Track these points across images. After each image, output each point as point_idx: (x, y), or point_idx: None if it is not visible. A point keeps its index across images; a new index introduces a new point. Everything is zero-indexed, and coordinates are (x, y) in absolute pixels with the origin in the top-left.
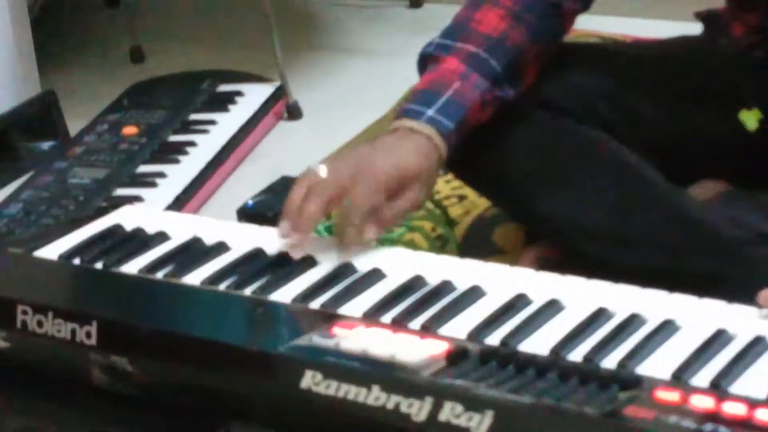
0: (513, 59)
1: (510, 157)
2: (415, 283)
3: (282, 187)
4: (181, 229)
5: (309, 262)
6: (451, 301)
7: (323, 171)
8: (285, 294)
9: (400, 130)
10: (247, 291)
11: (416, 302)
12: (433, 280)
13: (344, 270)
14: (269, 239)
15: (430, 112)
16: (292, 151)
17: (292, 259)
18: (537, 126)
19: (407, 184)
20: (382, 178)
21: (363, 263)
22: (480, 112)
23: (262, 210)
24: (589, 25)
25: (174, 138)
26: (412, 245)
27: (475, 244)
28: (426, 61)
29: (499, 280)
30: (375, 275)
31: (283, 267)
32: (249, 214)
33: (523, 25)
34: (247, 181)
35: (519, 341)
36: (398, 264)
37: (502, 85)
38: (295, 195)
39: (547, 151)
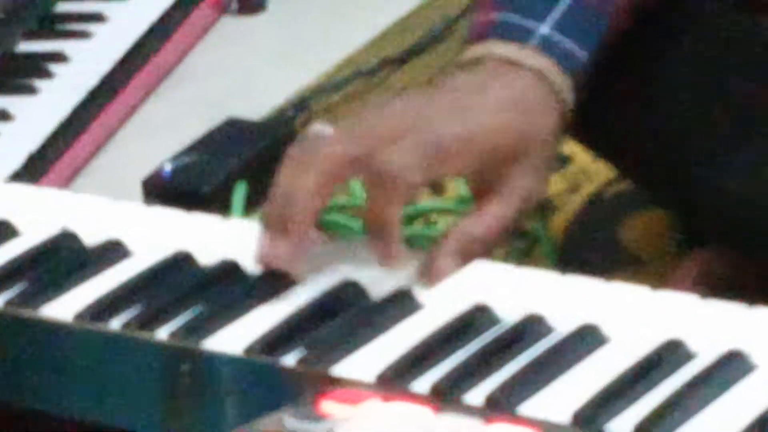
0: None
1: (659, 88)
2: (476, 319)
3: (228, 138)
4: (38, 216)
5: (276, 281)
6: (541, 354)
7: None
8: (232, 339)
9: (486, 63)
10: (162, 333)
11: (476, 356)
12: (507, 315)
13: (343, 295)
14: (204, 236)
15: (544, 28)
16: (247, 71)
17: (243, 273)
18: (710, 32)
19: (501, 171)
20: (448, 147)
21: (378, 282)
22: (622, 23)
23: (189, 181)
24: None
25: (25, 47)
26: None
27: (588, 246)
28: None
29: (632, 315)
30: (400, 305)
31: (228, 288)
32: (166, 188)
33: None
34: (163, 127)
35: (671, 429)
36: (444, 283)
37: None
38: (285, 178)
39: (727, 77)
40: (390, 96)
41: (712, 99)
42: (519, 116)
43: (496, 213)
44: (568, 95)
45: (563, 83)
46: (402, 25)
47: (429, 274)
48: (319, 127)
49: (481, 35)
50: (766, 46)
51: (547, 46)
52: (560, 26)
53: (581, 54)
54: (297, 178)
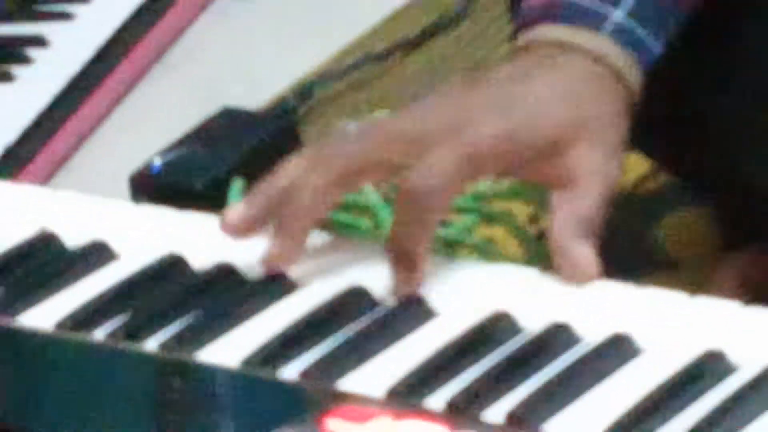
0: None
1: (730, 66)
2: (496, 328)
3: (223, 130)
4: (15, 215)
5: (276, 287)
6: (568, 367)
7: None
8: (228, 350)
9: (536, 49)
10: (151, 343)
11: (496, 369)
12: (530, 323)
13: (350, 301)
14: (198, 237)
15: (619, 13)
16: (245, 55)
17: (239, 278)
18: None
19: (559, 162)
20: (484, 151)
21: (388, 288)
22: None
23: (180, 177)
24: None
25: (1, 30)
26: (490, 249)
27: (620, 246)
28: None
29: (669, 324)
30: (413, 312)
31: (223, 294)
32: (155, 184)
33: None
34: (152, 118)
35: None
36: (461, 289)
37: None
38: (291, 170)
39: None
40: (426, 96)
41: None
42: (571, 103)
43: (586, 193)
44: (636, 85)
45: (636, 80)
46: (416, 3)
47: (572, 270)
48: (348, 125)
49: (535, 20)
50: None
51: (622, 36)
52: (636, 13)
53: (659, 46)
54: (305, 173)
